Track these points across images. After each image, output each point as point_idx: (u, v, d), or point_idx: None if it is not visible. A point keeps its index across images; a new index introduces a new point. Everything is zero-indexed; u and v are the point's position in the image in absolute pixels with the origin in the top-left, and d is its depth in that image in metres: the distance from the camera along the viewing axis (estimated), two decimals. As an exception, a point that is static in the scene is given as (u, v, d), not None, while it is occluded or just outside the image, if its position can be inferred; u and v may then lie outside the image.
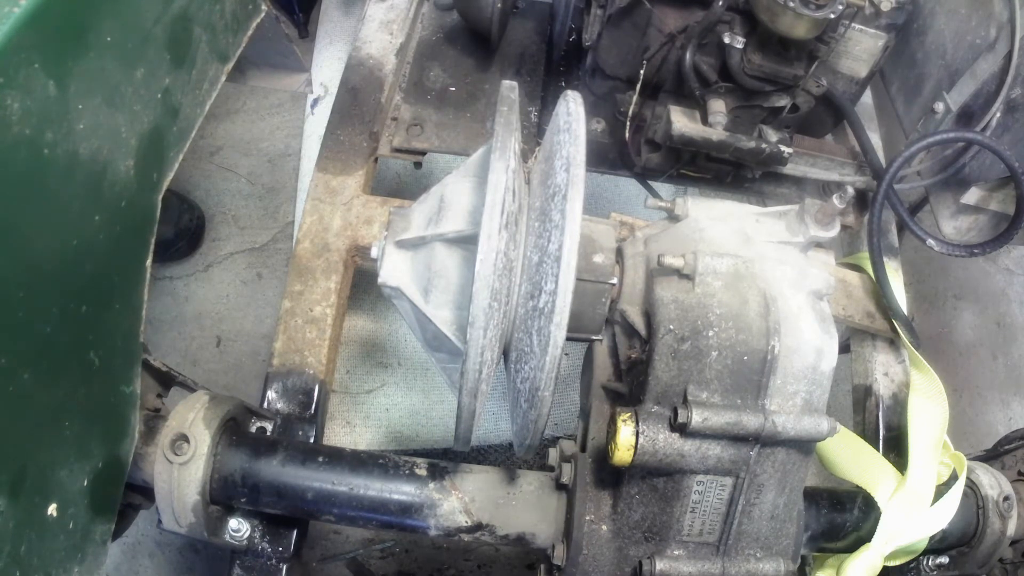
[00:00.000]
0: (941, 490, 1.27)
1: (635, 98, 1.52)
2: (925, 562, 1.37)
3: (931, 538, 1.26)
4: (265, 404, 1.31)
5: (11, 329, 0.80)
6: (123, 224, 0.99)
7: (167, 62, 1.07)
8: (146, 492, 1.14)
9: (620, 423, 0.98)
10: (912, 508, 1.23)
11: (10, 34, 0.75)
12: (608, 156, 1.71)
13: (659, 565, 1.03)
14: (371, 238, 1.44)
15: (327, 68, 2.68)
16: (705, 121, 1.44)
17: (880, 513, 1.23)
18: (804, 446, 1.05)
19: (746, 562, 1.07)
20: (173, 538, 2.06)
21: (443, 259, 0.96)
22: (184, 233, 2.40)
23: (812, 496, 1.25)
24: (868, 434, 1.48)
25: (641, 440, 0.97)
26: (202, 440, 1.09)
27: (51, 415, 0.89)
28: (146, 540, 2.09)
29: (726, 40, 1.36)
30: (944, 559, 1.36)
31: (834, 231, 1.15)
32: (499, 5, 1.60)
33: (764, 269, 1.06)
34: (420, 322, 0.99)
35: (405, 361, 2.29)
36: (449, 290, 0.96)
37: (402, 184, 2.56)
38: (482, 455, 2.24)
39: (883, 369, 1.53)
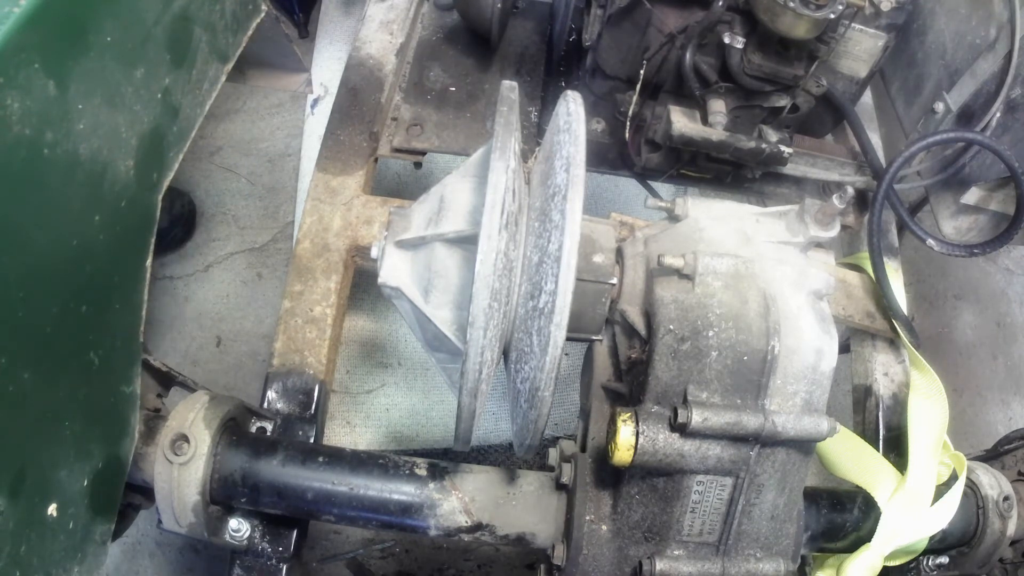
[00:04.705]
0: (941, 490, 1.27)
1: (635, 98, 1.52)
2: (925, 562, 1.37)
3: (931, 538, 1.26)
4: (265, 404, 1.31)
5: (11, 329, 0.80)
6: (123, 224, 0.99)
7: (167, 62, 1.07)
8: (146, 492, 1.14)
9: (620, 423, 0.98)
10: (912, 508, 1.23)
11: (10, 34, 0.75)
12: (608, 156, 1.70)
13: (659, 565, 1.03)
14: (371, 238, 1.44)
15: (327, 68, 2.68)
16: (705, 121, 1.44)
17: (880, 513, 1.23)
18: (804, 446, 1.05)
19: (746, 562, 1.07)
20: (173, 538, 2.06)
21: (443, 259, 0.96)
22: (178, 220, 2.42)
23: (812, 496, 1.25)
24: (868, 434, 1.48)
25: (641, 440, 0.97)
26: (202, 440, 1.09)
27: (51, 415, 0.89)
28: (146, 540, 2.09)
29: (726, 40, 1.36)
30: (944, 559, 1.36)
31: (834, 231, 1.15)
32: (499, 5, 1.60)
33: (764, 269, 1.06)
34: (420, 322, 0.99)
35: (405, 361, 2.29)
36: (449, 290, 0.96)
37: (402, 184, 2.56)
38: (482, 455, 2.24)
39: (883, 369, 1.52)
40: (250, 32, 1.32)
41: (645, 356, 1.05)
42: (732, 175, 1.62)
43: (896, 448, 1.42)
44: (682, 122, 1.45)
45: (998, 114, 1.39)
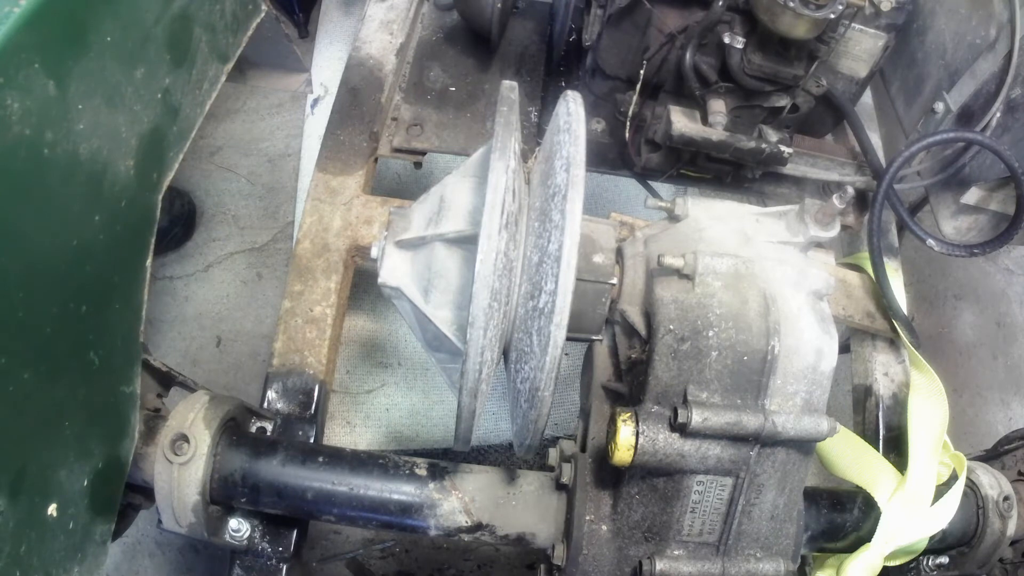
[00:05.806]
0: (941, 490, 1.27)
1: (635, 98, 1.52)
2: (925, 562, 1.37)
3: (931, 538, 1.26)
4: (265, 404, 1.31)
5: (11, 329, 0.80)
6: (123, 224, 0.99)
7: (167, 62, 1.07)
8: (146, 492, 1.14)
9: (620, 423, 0.98)
10: (912, 508, 1.23)
11: (10, 34, 0.75)
12: (608, 156, 1.70)
13: (659, 565, 1.03)
14: (371, 238, 1.44)
15: (327, 68, 2.68)
16: (705, 121, 1.44)
17: (880, 513, 1.23)
18: (804, 446, 1.05)
19: (746, 562, 1.07)
20: (173, 538, 2.06)
21: (443, 259, 0.96)
22: (178, 219, 2.42)
23: (812, 496, 1.25)
24: (868, 434, 1.48)
25: (641, 440, 0.97)
26: (202, 440, 1.09)
27: (51, 415, 0.89)
28: (146, 540, 2.09)
29: (726, 40, 1.36)
30: (944, 559, 1.36)
31: (834, 231, 1.15)
32: (499, 5, 1.60)
33: (764, 269, 1.06)
34: (420, 322, 0.99)
35: (405, 361, 2.29)
36: (449, 290, 0.96)
37: (402, 184, 2.56)
38: (482, 455, 2.23)
39: (883, 369, 1.52)
40: (250, 32, 1.32)
41: (645, 356, 1.05)
42: (732, 175, 1.62)
43: (896, 448, 1.42)
44: (682, 122, 1.45)
45: (998, 114, 1.39)
